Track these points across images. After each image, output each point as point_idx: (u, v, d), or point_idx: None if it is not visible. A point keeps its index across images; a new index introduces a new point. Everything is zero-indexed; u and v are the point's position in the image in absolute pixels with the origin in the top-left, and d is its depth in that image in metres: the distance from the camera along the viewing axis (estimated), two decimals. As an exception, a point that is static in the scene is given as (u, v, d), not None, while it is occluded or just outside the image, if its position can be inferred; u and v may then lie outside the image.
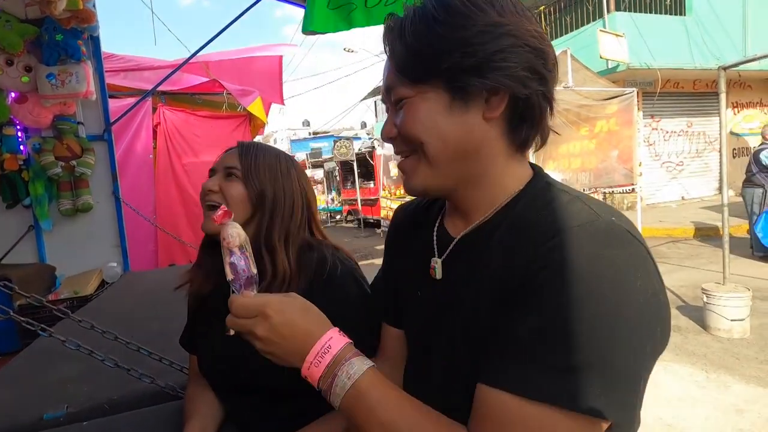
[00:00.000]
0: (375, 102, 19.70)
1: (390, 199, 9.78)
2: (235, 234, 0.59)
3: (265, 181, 0.85)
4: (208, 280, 0.88)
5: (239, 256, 0.58)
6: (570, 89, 5.76)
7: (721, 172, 3.47)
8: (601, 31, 8.26)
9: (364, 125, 24.95)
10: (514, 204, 0.55)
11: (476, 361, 0.50)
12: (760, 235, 4.93)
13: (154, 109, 4.40)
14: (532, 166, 0.59)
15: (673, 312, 3.88)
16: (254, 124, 4.93)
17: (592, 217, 0.47)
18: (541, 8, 10.31)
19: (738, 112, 10.89)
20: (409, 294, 0.67)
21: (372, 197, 11.15)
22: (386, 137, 0.58)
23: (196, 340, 0.94)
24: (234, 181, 0.84)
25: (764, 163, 5.14)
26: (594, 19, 9.39)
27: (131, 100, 3.64)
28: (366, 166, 11.52)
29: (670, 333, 0.49)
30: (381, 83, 0.60)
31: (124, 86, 4.18)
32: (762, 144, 5.28)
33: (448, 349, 0.57)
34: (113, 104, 3.65)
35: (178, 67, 2.99)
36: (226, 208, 0.63)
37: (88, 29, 2.68)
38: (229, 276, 0.57)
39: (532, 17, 0.53)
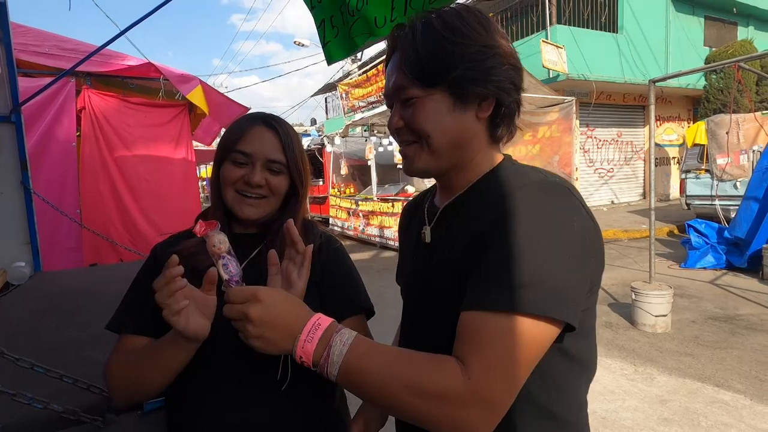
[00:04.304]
0: (326, 98, 19.38)
1: (339, 197, 9.62)
2: (223, 240, 0.66)
3: (302, 170, 0.87)
4: (202, 253, 0.83)
5: (229, 258, 0.66)
6: (515, 95, 5.97)
7: (649, 179, 3.72)
8: (543, 41, 8.70)
9: (314, 122, 24.47)
10: (484, 179, 0.69)
11: (457, 312, 0.59)
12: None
13: (78, 92, 3.96)
14: (503, 153, 0.74)
15: (605, 309, 4.13)
16: (194, 114, 4.60)
17: (542, 177, 0.64)
18: (490, 15, 10.66)
19: (660, 125, 11.95)
20: (407, 262, 0.81)
21: (321, 195, 10.95)
22: (394, 128, 0.69)
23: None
24: (279, 175, 0.85)
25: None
26: (538, 30, 9.87)
27: (49, 80, 3.23)
28: (315, 164, 11.30)
29: (604, 258, 0.65)
30: (387, 81, 0.70)
31: (41, 64, 3.70)
32: None
33: (433, 309, 0.68)
34: (27, 83, 3.22)
35: (105, 44, 2.68)
36: (207, 222, 0.67)
37: (-9, -6, 2.32)
38: (225, 277, 0.64)
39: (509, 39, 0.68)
